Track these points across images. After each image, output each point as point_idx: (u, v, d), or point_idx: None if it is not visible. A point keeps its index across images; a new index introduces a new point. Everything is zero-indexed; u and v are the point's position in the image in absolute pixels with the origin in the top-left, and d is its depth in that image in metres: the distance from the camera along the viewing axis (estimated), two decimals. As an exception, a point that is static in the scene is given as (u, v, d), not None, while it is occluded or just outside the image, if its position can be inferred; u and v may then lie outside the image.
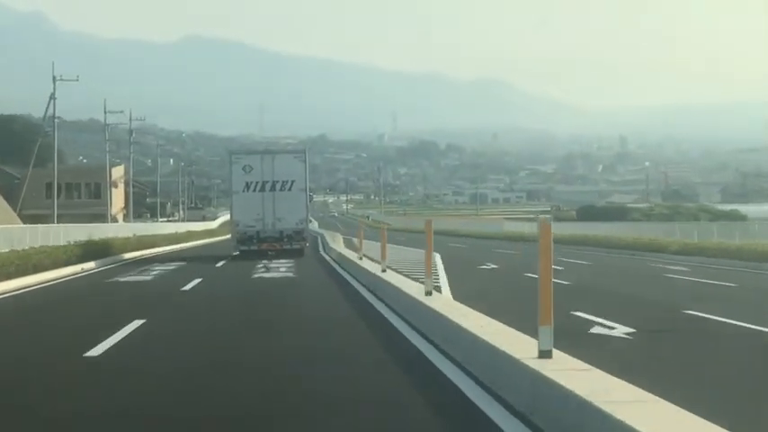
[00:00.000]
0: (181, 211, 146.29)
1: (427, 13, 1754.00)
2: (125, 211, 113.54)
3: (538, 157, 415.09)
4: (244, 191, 44.47)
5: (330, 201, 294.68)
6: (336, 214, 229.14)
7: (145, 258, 46.42)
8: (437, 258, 34.33)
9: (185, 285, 26.39)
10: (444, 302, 15.84)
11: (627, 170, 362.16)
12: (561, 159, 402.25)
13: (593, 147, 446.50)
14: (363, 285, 24.80)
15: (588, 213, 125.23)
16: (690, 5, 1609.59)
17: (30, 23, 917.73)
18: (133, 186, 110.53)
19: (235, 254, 44.43)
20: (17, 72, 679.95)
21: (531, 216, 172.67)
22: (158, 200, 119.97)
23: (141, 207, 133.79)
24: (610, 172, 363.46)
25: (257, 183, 44.42)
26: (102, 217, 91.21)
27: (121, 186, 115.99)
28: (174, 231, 77.11)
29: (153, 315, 18.52)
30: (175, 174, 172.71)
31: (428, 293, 16.66)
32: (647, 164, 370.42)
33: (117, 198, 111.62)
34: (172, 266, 37.57)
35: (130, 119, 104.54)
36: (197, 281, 28.26)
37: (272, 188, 44.36)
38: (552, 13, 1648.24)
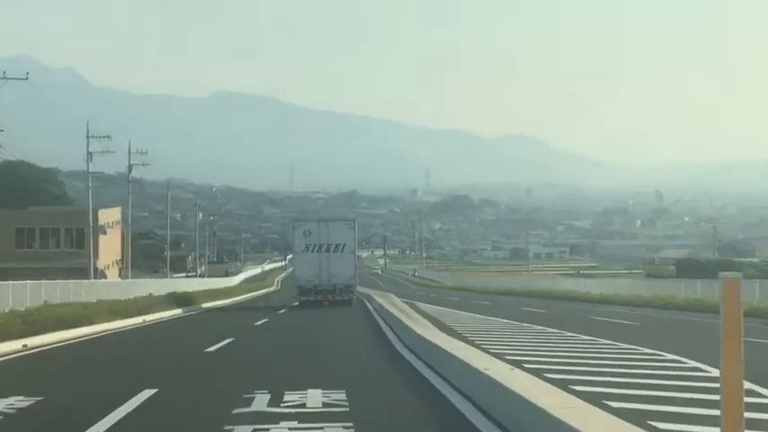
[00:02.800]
0: (199, 266, 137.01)
1: (454, 72, 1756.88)
2: (121, 265, 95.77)
3: (571, 212, 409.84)
4: (304, 251, 52.82)
5: (364, 255, 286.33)
6: (380, 271, 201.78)
7: None
8: None
9: None
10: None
11: (666, 225, 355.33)
12: (597, 215, 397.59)
13: (629, 203, 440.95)
14: None
15: (690, 269, 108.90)
16: (719, 61, 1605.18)
17: (61, 79, 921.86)
18: (150, 238, 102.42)
19: (295, 304, 53.67)
20: (48, 126, 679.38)
21: (589, 272, 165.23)
22: (168, 252, 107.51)
23: (159, 261, 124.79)
24: (648, 227, 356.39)
25: (315, 245, 52.44)
26: (84, 271, 71.54)
27: (116, 233, 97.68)
28: (146, 294, 52.10)
29: None
30: (203, 227, 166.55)
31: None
32: (686, 219, 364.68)
33: (108, 247, 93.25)
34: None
35: (129, 151, 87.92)
36: None
37: (327, 249, 52.32)
38: (580, 73, 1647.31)
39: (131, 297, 48.22)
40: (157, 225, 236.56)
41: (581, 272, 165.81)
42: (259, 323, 36.38)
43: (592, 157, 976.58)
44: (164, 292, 57.36)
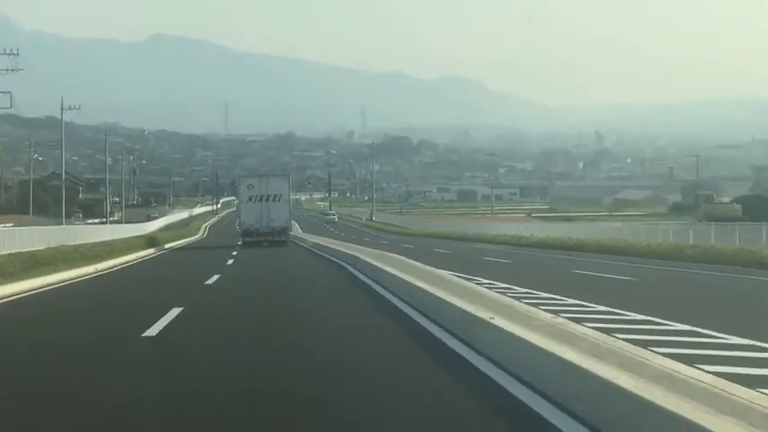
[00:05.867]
0: (118, 211, 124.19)
1: (387, 12, 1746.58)
2: None
3: (512, 154, 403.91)
4: (248, 201, 62.83)
5: (303, 199, 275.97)
6: (336, 218, 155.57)
7: None
8: None
9: None
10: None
11: (611, 167, 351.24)
12: (538, 156, 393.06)
13: (569, 144, 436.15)
14: None
15: (761, 208, 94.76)
16: (661, 3, 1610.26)
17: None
18: (63, 180, 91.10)
19: (239, 243, 62.48)
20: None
21: (547, 215, 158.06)
22: (63, 194, 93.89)
23: (73, 205, 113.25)
24: (592, 168, 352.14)
25: (257, 196, 62.61)
26: None
27: None
28: None
29: None
30: (130, 170, 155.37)
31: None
32: (629, 160, 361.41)
33: None
34: None
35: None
36: None
37: (267, 199, 62.41)
38: (514, 14, 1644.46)
39: None
40: (86, 168, 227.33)
41: (532, 214, 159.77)
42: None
43: (529, 99, 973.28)
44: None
